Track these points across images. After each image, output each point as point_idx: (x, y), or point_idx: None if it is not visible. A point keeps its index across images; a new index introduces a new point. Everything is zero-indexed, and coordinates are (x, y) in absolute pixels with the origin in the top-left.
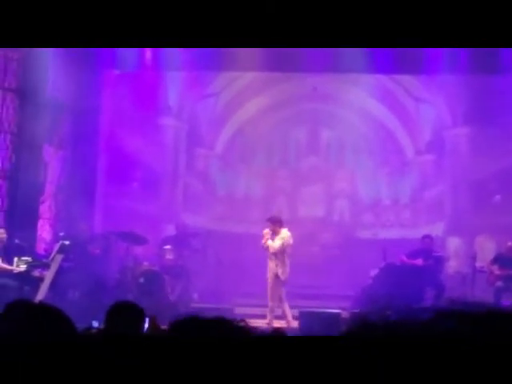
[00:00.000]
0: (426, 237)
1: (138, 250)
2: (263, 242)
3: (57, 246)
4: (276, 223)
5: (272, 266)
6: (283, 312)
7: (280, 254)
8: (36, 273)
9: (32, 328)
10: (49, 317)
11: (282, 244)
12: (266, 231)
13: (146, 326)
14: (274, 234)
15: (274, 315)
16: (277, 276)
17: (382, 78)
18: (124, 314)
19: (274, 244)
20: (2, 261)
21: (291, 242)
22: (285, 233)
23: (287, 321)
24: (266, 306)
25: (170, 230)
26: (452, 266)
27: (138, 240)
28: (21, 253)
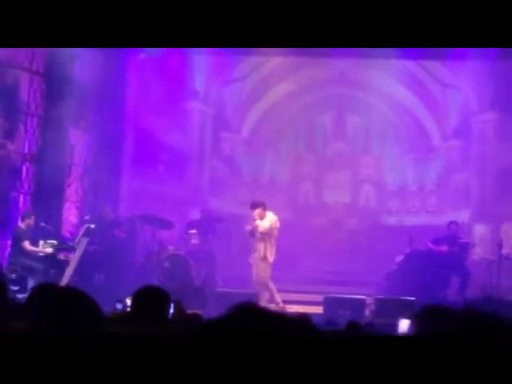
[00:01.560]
0: (452, 223)
1: (164, 233)
2: (250, 226)
3: (82, 229)
4: (259, 207)
5: (260, 247)
6: (271, 296)
7: (268, 236)
8: (61, 256)
9: (59, 312)
10: (75, 300)
11: (271, 225)
12: (256, 213)
13: (172, 310)
14: (260, 218)
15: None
16: (265, 258)
17: (409, 64)
18: (150, 297)
19: (264, 223)
20: (29, 243)
21: (278, 224)
22: (271, 215)
23: (277, 304)
24: (289, 291)
25: (196, 214)
26: (478, 252)
27: (164, 224)
28: (46, 236)
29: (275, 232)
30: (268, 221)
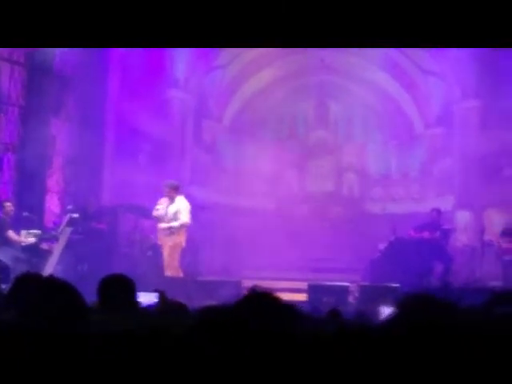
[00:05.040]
0: (434, 210)
1: (146, 223)
2: (157, 213)
3: (65, 219)
4: (174, 189)
5: (174, 235)
6: None
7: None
8: (44, 246)
9: (42, 302)
10: (59, 291)
11: (189, 216)
12: (163, 200)
13: (156, 300)
14: (169, 200)
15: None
16: (180, 245)
17: (391, 51)
18: (115, 286)
19: (183, 218)
20: (13, 232)
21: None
22: (183, 201)
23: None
24: (274, 278)
25: None
26: (461, 239)
27: (146, 213)
28: (29, 225)
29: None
30: (186, 212)
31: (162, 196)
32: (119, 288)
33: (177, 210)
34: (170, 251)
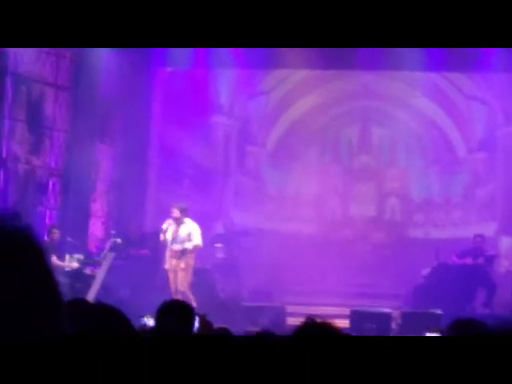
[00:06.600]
0: (478, 236)
1: None
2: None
3: (108, 244)
4: (183, 211)
5: (186, 257)
6: None
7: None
8: (87, 270)
9: (91, 327)
10: (107, 316)
11: (201, 238)
12: (168, 221)
13: (197, 325)
14: (177, 222)
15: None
16: (189, 267)
17: (434, 76)
18: (174, 312)
19: (196, 241)
20: (56, 258)
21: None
22: (193, 223)
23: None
24: (316, 304)
25: (221, 228)
26: (504, 265)
27: None
28: (73, 250)
29: None
30: (198, 234)
31: (204, 221)
32: (178, 314)
33: (189, 231)
34: (184, 274)
